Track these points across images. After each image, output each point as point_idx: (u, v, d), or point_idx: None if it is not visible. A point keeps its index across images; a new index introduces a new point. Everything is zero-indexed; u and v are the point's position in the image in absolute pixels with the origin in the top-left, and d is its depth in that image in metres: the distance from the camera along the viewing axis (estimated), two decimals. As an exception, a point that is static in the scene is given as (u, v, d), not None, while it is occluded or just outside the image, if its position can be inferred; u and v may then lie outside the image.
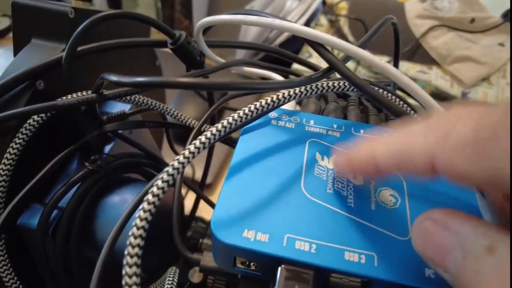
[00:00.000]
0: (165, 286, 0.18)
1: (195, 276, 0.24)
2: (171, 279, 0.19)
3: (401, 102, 0.24)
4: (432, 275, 0.15)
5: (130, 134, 0.29)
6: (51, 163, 0.21)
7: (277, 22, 0.19)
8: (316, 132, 0.21)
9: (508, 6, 0.69)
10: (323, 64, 0.20)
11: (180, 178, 0.22)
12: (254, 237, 0.16)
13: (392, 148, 0.14)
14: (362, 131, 0.22)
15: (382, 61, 0.18)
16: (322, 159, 0.20)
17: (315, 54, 0.20)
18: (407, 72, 0.63)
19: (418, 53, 0.66)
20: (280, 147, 0.20)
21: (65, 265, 0.23)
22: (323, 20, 0.73)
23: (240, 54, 0.71)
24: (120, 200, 0.24)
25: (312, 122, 0.22)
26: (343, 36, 0.68)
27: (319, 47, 0.19)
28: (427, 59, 0.65)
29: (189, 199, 0.39)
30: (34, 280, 0.25)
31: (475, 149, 0.10)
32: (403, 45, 0.66)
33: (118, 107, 0.29)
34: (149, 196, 0.14)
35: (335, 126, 0.22)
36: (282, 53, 0.32)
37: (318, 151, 0.20)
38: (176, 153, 0.25)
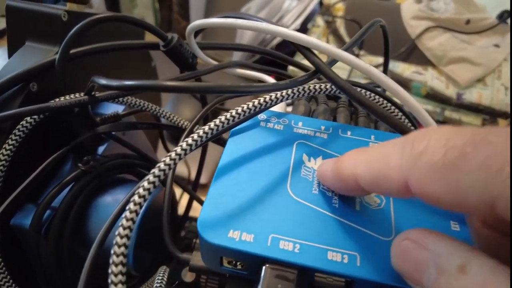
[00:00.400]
0: (154, 285, 0.19)
1: (188, 276, 0.24)
2: (160, 278, 0.19)
3: (389, 104, 0.24)
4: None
5: (123, 135, 0.29)
6: (43, 164, 0.22)
7: (264, 25, 0.20)
8: (304, 134, 0.22)
9: (506, 7, 0.70)
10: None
11: (171, 178, 0.22)
12: (239, 237, 0.16)
13: (371, 167, 0.14)
14: (349, 132, 0.22)
15: (367, 65, 0.18)
16: (309, 160, 0.20)
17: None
18: (402, 73, 0.63)
19: (414, 54, 0.66)
20: (268, 148, 0.21)
21: (58, 265, 0.24)
22: (319, 21, 0.74)
23: (237, 55, 0.71)
24: (113, 200, 0.25)
25: (300, 124, 0.22)
26: (339, 37, 0.68)
27: (305, 50, 0.19)
28: (423, 60, 0.65)
29: (185, 199, 0.40)
30: (30, 281, 0.25)
31: (443, 170, 0.10)
32: (399, 45, 0.67)
33: (112, 109, 0.29)
34: (135, 197, 0.14)
35: (323, 128, 0.22)
36: (275, 55, 0.32)
37: (305, 152, 0.21)
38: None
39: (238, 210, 0.17)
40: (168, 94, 0.58)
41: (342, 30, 0.70)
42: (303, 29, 0.74)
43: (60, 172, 0.26)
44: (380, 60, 0.65)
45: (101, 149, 0.28)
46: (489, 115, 0.60)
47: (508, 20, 0.68)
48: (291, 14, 0.74)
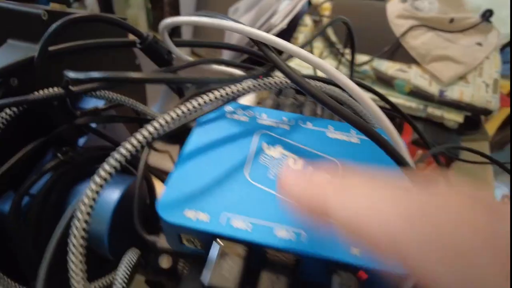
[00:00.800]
0: (121, 266, 0.20)
1: (164, 261, 0.26)
2: (128, 260, 0.21)
3: (347, 96, 0.25)
4: (356, 252, 0.17)
5: (104, 128, 0.31)
6: (19, 153, 0.23)
7: (226, 23, 0.21)
8: (267, 125, 0.23)
9: (499, 6, 0.71)
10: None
11: (143, 166, 0.24)
12: (195, 216, 0.18)
13: (357, 216, 0.11)
14: (309, 123, 0.23)
15: (318, 59, 0.19)
16: (269, 148, 0.22)
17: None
18: (387, 70, 0.65)
19: (399, 52, 0.68)
20: (231, 137, 0.22)
21: (39, 251, 0.25)
22: (307, 20, 0.75)
23: (226, 54, 0.72)
24: (90, 189, 0.26)
25: (264, 115, 0.24)
26: (325, 36, 0.70)
27: (263, 46, 0.21)
28: (407, 58, 0.67)
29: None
30: (17, 271, 0.26)
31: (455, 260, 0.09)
32: (384, 44, 0.68)
33: (94, 103, 0.31)
34: (92, 185, 0.16)
35: (285, 119, 0.24)
36: (254, 53, 0.34)
37: (266, 141, 0.22)
38: (150, 147, 0.27)
39: (196, 192, 0.19)
40: (156, 92, 0.59)
41: (329, 29, 0.71)
42: (292, 28, 0.76)
43: (41, 163, 0.27)
44: (365, 58, 0.66)
45: (81, 142, 0.29)
46: (470, 111, 0.62)
47: (491, 19, 0.70)
48: (279, 14, 0.75)
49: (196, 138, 0.22)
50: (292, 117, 0.24)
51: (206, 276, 0.16)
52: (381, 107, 0.38)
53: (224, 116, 0.23)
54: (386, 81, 0.65)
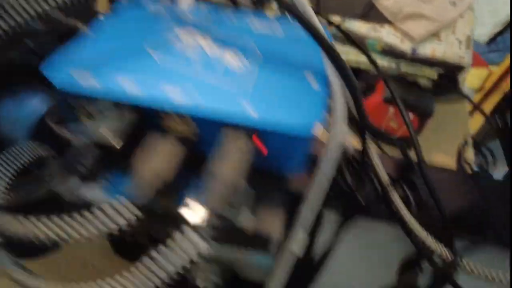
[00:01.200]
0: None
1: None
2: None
3: None
4: (254, 114, 0.16)
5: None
6: None
7: None
8: (186, 15, 0.22)
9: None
10: None
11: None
12: (82, 77, 0.17)
13: None
14: (232, 15, 0.23)
15: None
16: (182, 31, 0.21)
17: None
18: (359, 29, 0.64)
19: (372, 13, 0.67)
20: (144, 21, 0.21)
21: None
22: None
23: None
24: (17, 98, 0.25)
25: (188, 10, 0.23)
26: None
27: None
28: (380, 19, 0.66)
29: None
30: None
31: None
32: (357, 5, 0.67)
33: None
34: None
35: (208, 13, 0.23)
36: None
37: (180, 25, 0.21)
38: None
39: (90, 56, 0.18)
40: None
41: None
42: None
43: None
44: (337, 18, 0.66)
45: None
46: (443, 68, 0.61)
47: (466, -20, 0.69)
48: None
49: (106, 19, 0.21)
50: (216, 10, 0.23)
51: (93, 129, 0.15)
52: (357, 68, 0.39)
53: (145, 7, 0.23)
54: (359, 41, 0.64)
